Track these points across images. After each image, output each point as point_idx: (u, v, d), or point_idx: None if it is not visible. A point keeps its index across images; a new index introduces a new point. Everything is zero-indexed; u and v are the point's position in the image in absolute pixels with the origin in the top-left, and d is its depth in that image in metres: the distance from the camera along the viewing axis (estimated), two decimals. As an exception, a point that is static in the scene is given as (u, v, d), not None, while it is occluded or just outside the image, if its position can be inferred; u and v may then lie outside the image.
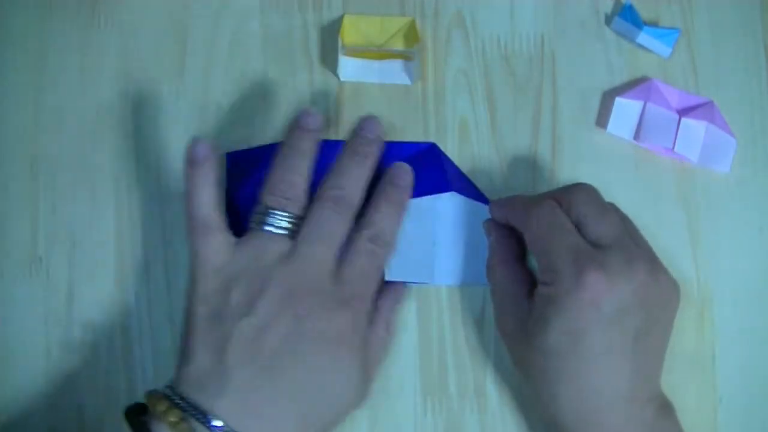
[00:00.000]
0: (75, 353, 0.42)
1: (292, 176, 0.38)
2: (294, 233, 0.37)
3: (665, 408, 0.37)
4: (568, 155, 0.43)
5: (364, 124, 0.40)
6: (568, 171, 0.43)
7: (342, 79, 0.44)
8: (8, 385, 0.42)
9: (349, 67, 0.44)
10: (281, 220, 0.37)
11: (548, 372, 0.36)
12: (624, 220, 0.39)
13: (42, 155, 0.44)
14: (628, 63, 0.44)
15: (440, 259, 0.42)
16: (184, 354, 0.36)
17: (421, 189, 0.41)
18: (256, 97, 0.44)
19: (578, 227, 0.37)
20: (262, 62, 0.44)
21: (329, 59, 0.44)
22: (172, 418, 0.33)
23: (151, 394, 0.35)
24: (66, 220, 0.43)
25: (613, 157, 0.43)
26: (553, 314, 0.35)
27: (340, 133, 0.44)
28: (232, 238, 0.38)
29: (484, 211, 0.42)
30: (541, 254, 0.37)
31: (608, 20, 0.44)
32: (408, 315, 0.42)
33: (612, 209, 0.38)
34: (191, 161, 0.38)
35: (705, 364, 0.42)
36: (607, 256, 0.35)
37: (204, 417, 0.33)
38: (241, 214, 0.40)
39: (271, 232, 0.37)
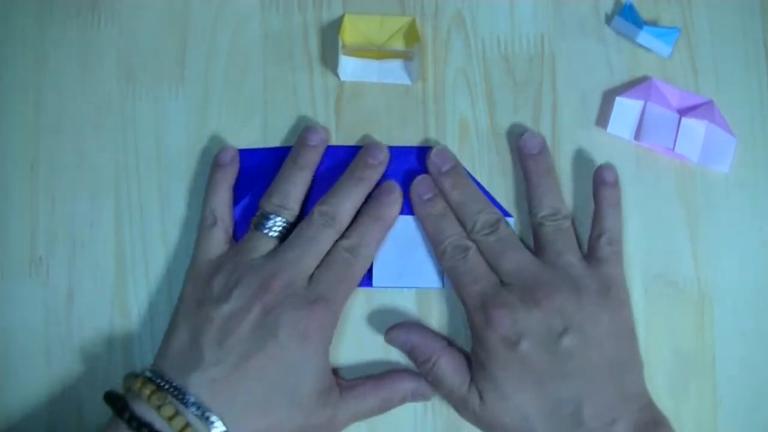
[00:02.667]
0: (75, 353, 0.42)
1: (289, 187, 0.41)
2: (284, 238, 0.40)
3: (646, 427, 0.37)
4: (568, 155, 0.43)
5: (369, 149, 0.42)
6: (568, 171, 0.43)
7: (342, 79, 0.44)
8: (8, 386, 0.42)
9: (349, 67, 0.44)
10: (274, 224, 0.40)
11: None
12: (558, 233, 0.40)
13: (42, 155, 0.44)
14: (628, 63, 0.44)
15: (426, 263, 0.42)
16: (167, 334, 0.39)
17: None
18: (256, 97, 0.44)
19: (492, 267, 0.40)
20: (262, 62, 0.44)
21: (329, 59, 0.44)
22: (147, 391, 0.36)
23: (128, 375, 0.38)
24: (66, 220, 0.43)
25: (614, 157, 0.43)
26: (482, 360, 0.38)
27: (340, 132, 0.44)
28: (231, 237, 0.42)
29: None
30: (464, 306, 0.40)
31: (608, 20, 0.44)
32: (408, 314, 0.42)
33: (510, 242, 0.40)
34: (217, 163, 0.42)
35: (705, 364, 0.42)
36: (510, 292, 0.38)
37: (177, 390, 0.36)
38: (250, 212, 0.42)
39: (263, 234, 0.40)
